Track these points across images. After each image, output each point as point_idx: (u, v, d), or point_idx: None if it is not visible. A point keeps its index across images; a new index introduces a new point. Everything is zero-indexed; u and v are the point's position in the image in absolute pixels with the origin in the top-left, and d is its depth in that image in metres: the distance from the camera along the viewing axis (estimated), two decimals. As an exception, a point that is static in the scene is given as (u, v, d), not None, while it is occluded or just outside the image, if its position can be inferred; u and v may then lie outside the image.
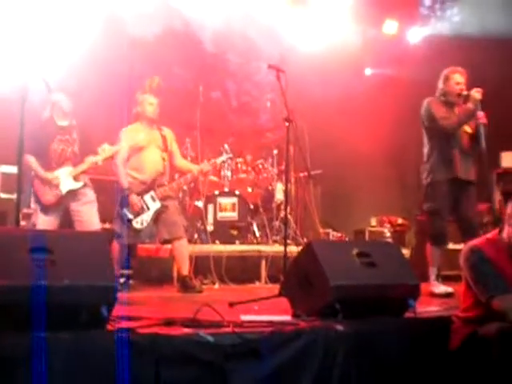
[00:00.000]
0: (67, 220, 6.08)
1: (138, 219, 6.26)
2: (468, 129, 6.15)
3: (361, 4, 9.81)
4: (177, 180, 6.74)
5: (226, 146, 7.78)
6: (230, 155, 7.32)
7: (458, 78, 6.12)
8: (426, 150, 6.20)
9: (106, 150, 5.99)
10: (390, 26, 10.61)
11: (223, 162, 7.27)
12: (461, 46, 9.56)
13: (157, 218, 6.35)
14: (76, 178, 6.00)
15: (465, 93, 6.05)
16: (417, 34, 10.83)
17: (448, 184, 6.03)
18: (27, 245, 3.34)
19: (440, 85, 6.21)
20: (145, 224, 6.28)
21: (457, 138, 6.09)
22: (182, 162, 6.80)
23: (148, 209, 6.29)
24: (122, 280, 6.30)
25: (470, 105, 5.95)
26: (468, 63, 8.56)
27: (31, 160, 5.90)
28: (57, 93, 5.99)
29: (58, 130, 6.05)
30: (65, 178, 5.97)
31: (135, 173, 6.41)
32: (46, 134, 6.00)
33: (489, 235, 3.94)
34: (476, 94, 5.95)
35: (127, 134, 6.46)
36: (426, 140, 6.21)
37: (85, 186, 6.06)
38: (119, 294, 3.56)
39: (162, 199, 6.34)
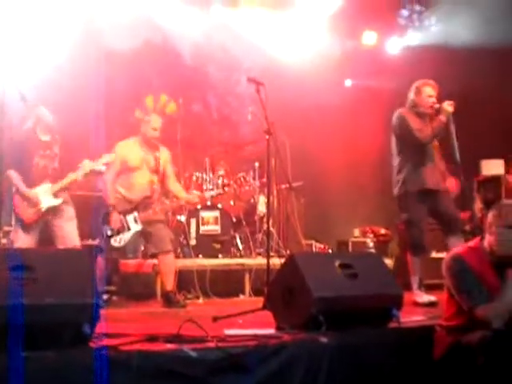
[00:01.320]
0: (46, 236, 6.04)
1: (117, 237, 6.22)
2: (436, 142, 6.25)
3: (340, 15, 9.87)
4: (162, 205, 6.66)
5: (219, 181, 7.75)
6: (221, 191, 7.28)
7: (430, 91, 6.18)
8: (397, 160, 6.23)
9: (85, 165, 5.95)
10: (369, 37, 10.69)
11: (212, 196, 7.24)
12: (439, 57, 9.65)
13: (142, 235, 6.32)
14: (56, 195, 5.96)
15: (437, 106, 6.10)
16: (395, 45, 10.91)
17: (420, 195, 6.08)
18: (7, 263, 3.31)
19: (411, 96, 6.24)
20: (122, 243, 6.25)
21: (427, 149, 6.15)
22: (173, 187, 6.71)
23: (129, 229, 6.26)
24: (105, 296, 6.26)
25: (442, 117, 6.01)
26: (446, 73, 8.67)
27: (13, 175, 5.85)
28: (40, 107, 5.96)
29: (40, 144, 5.99)
30: (44, 195, 5.92)
31: (123, 190, 6.37)
32: (28, 148, 5.95)
33: (471, 244, 3.95)
34: (448, 106, 6.01)
35: (121, 149, 6.40)
36: (396, 150, 6.24)
37: (64, 202, 6.01)
38: (102, 311, 3.54)
39: (145, 223, 6.30)
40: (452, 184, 6.43)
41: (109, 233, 6.18)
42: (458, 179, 6.27)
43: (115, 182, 6.34)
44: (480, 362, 3.54)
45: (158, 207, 6.47)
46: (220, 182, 8.42)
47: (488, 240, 3.80)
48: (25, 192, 5.89)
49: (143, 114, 6.66)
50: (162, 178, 6.55)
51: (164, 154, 6.59)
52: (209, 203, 8.04)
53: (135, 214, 6.28)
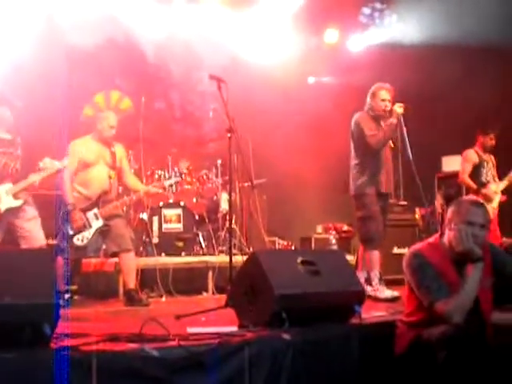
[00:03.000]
0: (11, 238, 5.95)
1: (79, 236, 6.15)
2: (391, 143, 6.42)
3: (302, 13, 9.90)
4: (121, 199, 6.61)
5: (176, 168, 7.71)
6: (179, 178, 7.26)
7: (384, 95, 6.32)
8: (354, 162, 6.39)
9: (47, 164, 5.86)
10: (332, 35, 10.74)
11: (171, 185, 7.20)
12: (400, 54, 9.74)
13: (102, 232, 6.26)
14: (15, 196, 5.87)
15: (388, 108, 6.23)
16: (357, 43, 10.98)
17: (376, 196, 6.28)
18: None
19: (368, 100, 6.42)
20: (85, 241, 6.18)
21: (382, 152, 6.32)
22: (131, 181, 6.68)
23: (90, 226, 6.19)
24: (66, 296, 6.20)
25: (392, 119, 6.14)
26: (407, 71, 8.76)
27: None
28: (1, 106, 5.88)
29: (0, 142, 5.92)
30: (4, 196, 5.82)
31: (81, 188, 6.30)
32: None
33: (430, 239, 3.99)
34: (398, 108, 6.15)
35: (76, 147, 6.33)
36: (354, 153, 6.41)
37: (25, 203, 5.93)
38: (63, 311, 3.50)
39: (106, 218, 6.25)
40: None
41: (70, 232, 6.11)
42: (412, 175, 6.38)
43: (73, 181, 6.28)
44: (440, 357, 3.58)
45: (118, 202, 6.43)
46: (183, 178, 8.39)
47: (448, 236, 3.84)
48: None
49: (95, 112, 6.58)
50: (119, 173, 6.51)
51: (119, 150, 6.56)
52: (171, 200, 8.02)
53: (95, 210, 6.22)
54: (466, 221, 3.75)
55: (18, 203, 5.87)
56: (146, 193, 6.61)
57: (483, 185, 7.83)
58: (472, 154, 7.98)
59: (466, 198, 3.91)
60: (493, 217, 7.64)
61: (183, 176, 7.57)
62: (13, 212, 5.87)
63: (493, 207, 7.69)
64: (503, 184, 7.92)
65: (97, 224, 6.22)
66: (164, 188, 7.00)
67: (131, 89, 8.99)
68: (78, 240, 6.15)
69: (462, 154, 8.11)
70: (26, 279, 3.41)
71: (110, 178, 6.40)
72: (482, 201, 4.04)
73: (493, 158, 8.06)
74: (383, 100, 6.28)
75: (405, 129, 6.10)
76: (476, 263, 3.69)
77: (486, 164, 7.93)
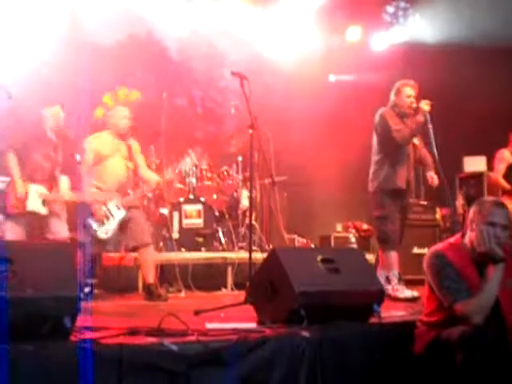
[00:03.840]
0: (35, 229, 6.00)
1: (103, 228, 6.19)
2: (415, 140, 6.37)
3: (325, 11, 9.88)
4: (139, 188, 6.65)
5: (190, 151, 7.72)
6: (195, 161, 7.27)
7: (409, 91, 6.27)
8: (376, 157, 6.34)
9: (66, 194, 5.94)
10: (354, 33, 10.71)
11: (188, 168, 7.22)
12: (424, 53, 9.69)
13: (123, 226, 6.29)
14: (44, 203, 5.91)
15: (414, 105, 6.18)
16: (380, 41, 10.93)
17: (395, 194, 6.23)
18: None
19: (392, 97, 6.37)
20: (110, 234, 6.21)
21: (405, 149, 6.28)
22: (146, 173, 6.72)
23: (113, 217, 6.23)
24: (86, 289, 6.23)
25: (419, 117, 6.07)
26: (430, 70, 8.71)
27: (12, 160, 5.81)
28: (56, 106, 5.94)
29: (46, 143, 5.96)
30: (34, 197, 5.86)
31: (99, 182, 6.34)
32: (33, 144, 5.90)
33: (452, 240, 3.96)
34: (425, 105, 6.08)
35: (93, 142, 6.39)
36: (376, 148, 6.36)
37: (52, 215, 5.96)
38: (83, 304, 3.53)
39: (127, 208, 6.29)
40: (433, 177, 6.51)
41: (94, 225, 6.15)
42: (438, 175, 6.35)
43: (90, 176, 6.30)
44: (459, 357, 3.56)
45: (137, 192, 6.46)
46: (204, 174, 8.42)
47: (469, 237, 3.82)
48: (17, 182, 5.83)
49: (105, 111, 6.63)
50: (134, 166, 6.54)
51: (134, 144, 6.60)
52: (191, 196, 8.03)
53: (116, 200, 6.25)
54: (488, 221, 3.72)
55: (43, 211, 5.90)
56: (164, 181, 6.63)
57: None
58: (506, 154, 7.84)
59: (487, 198, 3.87)
60: None
61: (197, 162, 7.55)
62: (37, 218, 5.91)
63: None
64: None
65: (119, 214, 6.25)
66: (180, 172, 6.96)
67: (153, 84, 9.01)
68: (102, 233, 6.18)
69: (495, 154, 7.96)
70: (48, 272, 3.44)
71: (127, 168, 6.44)
72: (503, 202, 4.00)
73: None
74: (408, 96, 6.23)
75: (431, 127, 6.05)
76: (497, 264, 3.67)
77: None
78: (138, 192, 6.53)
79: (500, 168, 7.82)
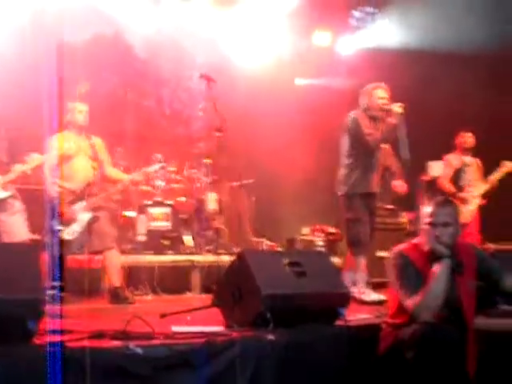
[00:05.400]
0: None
1: (69, 230, 6.12)
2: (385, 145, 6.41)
3: (293, 14, 9.90)
4: (107, 190, 6.60)
5: (158, 155, 7.67)
6: (163, 164, 7.21)
7: (381, 93, 6.27)
8: (347, 161, 6.32)
9: (34, 158, 5.85)
10: (322, 37, 10.74)
11: (155, 171, 7.17)
12: (390, 58, 9.76)
13: (88, 228, 6.24)
14: (3, 188, 5.84)
15: (387, 107, 6.17)
16: (348, 45, 10.99)
17: (365, 197, 6.27)
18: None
19: (363, 100, 6.34)
20: (76, 235, 6.15)
21: (376, 153, 6.30)
22: (112, 172, 6.66)
23: (78, 219, 6.17)
24: (52, 292, 6.16)
25: (392, 120, 6.07)
26: (396, 75, 8.78)
27: None
28: None
29: None
30: None
31: (64, 182, 6.28)
32: None
33: (415, 240, 4.03)
34: (398, 108, 6.08)
35: (55, 141, 6.31)
36: (347, 151, 6.33)
37: (12, 196, 5.90)
38: (48, 307, 3.49)
39: (93, 210, 6.23)
40: (401, 185, 6.56)
41: (59, 227, 6.07)
42: (406, 180, 6.40)
43: (54, 176, 6.23)
44: (410, 355, 3.62)
45: (103, 194, 6.40)
46: (172, 176, 8.39)
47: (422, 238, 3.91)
48: None
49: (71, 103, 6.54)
50: (100, 165, 6.48)
51: (98, 142, 6.53)
52: (159, 199, 7.99)
53: (81, 203, 6.19)
54: (429, 222, 3.83)
55: (5, 194, 5.85)
56: (130, 181, 6.58)
57: (461, 188, 7.91)
58: (452, 159, 8.09)
59: (436, 199, 3.94)
60: (470, 219, 7.73)
61: (165, 164, 7.53)
62: (0, 204, 5.85)
63: (470, 209, 7.77)
64: (485, 187, 7.97)
65: (85, 216, 6.18)
66: (147, 175, 6.92)
67: (119, 84, 8.95)
68: (68, 234, 6.11)
69: (443, 159, 8.22)
70: (11, 274, 3.40)
71: (93, 169, 6.37)
72: (448, 199, 4.08)
73: (478, 160, 8.11)
74: (381, 98, 6.22)
75: (405, 130, 6.02)
76: (441, 261, 3.74)
77: (467, 168, 8.00)
78: (104, 193, 6.46)
79: (447, 172, 8.05)
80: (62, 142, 6.32)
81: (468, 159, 8.06)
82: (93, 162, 6.38)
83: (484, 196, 7.95)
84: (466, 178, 7.99)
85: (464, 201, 7.76)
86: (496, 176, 7.98)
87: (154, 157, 7.54)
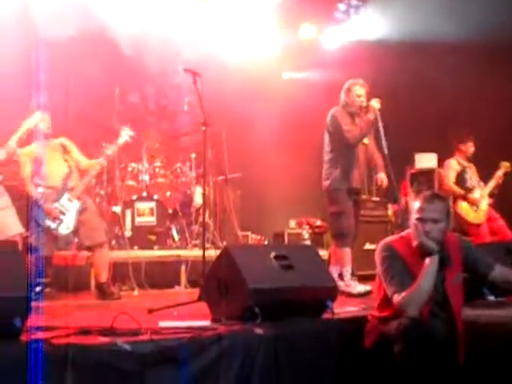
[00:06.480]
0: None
1: (63, 225, 6.08)
2: (365, 140, 6.42)
3: (279, 8, 9.89)
4: (83, 181, 6.51)
5: (125, 127, 7.37)
6: (131, 133, 6.99)
7: (359, 90, 6.32)
8: (328, 157, 6.39)
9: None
10: (307, 31, 10.73)
11: (126, 141, 6.96)
12: (375, 51, 9.77)
13: (78, 221, 6.19)
14: None
15: (364, 104, 6.24)
16: (333, 39, 10.99)
17: (348, 192, 6.28)
18: None
19: (342, 96, 6.40)
20: (71, 227, 6.09)
21: (356, 148, 6.33)
22: (86, 164, 6.53)
23: (69, 211, 6.13)
24: (37, 289, 6.13)
25: (370, 115, 6.15)
26: (382, 68, 8.80)
27: None
28: None
29: None
30: None
31: (43, 182, 6.22)
32: None
33: (403, 233, 4.02)
34: (375, 103, 6.15)
35: (26, 152, 6.25)
36: (328, 147, 6.39)
37: None
38: (34, 304, 3.48)
39: (79, 198, 6.20)
40: (383, 179, 6.59)
41: (52, 226, 6.04)
42: (388, 174, 6.43)
43: (33, 179, 6.18)
44: (396, 349, 3.63)
45: (83, 180, 6.34)
46: (157, 171, 8.37)
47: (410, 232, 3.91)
48: None
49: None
50: (75, 164, 6.43)
51: (65, 142, 6.48)
52: (144, 194, 7.97)
53: (66, 195, 6.16)
54: (418, 217, 3.82)
55: None
56: (100, 164, 6.47)
57: (469, 190, 8.03)
58: (453, 163, 8.23)
59: (423, 193, 3.94)
60: (483, 220, 7.87)
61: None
62: None
63: (482, 210, 7.93)
64: (489, 187, 8.15)
65: (74, 206, 6.15)
66: (118, 147, 6.75)
67: (105, 80, 8.89)
68: (64, 228, 6.08)
69: (443, 164, 8.39)
70: (-3, 272, 3.38)
71: (66, 161, 6.32)
72: (437, 194, 4.07)
73: (473, 166, 8.27)
74: (358, 96, 6.27)
75: (381, 124, 6.10)
76: (430, 257, 3.74)
77: (468, 170, 8.15)
78: (84, 180, 6.38)
79: (451, 176, 8.19)
80: (31, 150, 6.25)
81: (466, 163, 8.26)
82: (65, 155, 6.34)
83: (490, 195, 8.15)
84: (468, 179, 8.15)
85: (474, 202, 7.99)
86: (498, 176, 8.19)
87: (121, 128, 7.29)
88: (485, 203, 8.05)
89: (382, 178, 6.58)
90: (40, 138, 6.33)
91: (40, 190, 6.16)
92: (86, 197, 6.33)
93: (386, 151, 6.10)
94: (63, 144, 6.43)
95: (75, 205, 6.17)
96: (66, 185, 6.22)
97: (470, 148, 8.21)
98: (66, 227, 6.10)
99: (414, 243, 3.82)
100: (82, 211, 6.18)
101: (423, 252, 3.77)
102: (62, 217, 6.10)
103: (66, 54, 8.25)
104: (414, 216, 3.84)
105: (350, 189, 6.27)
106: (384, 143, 6.09)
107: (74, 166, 6.39)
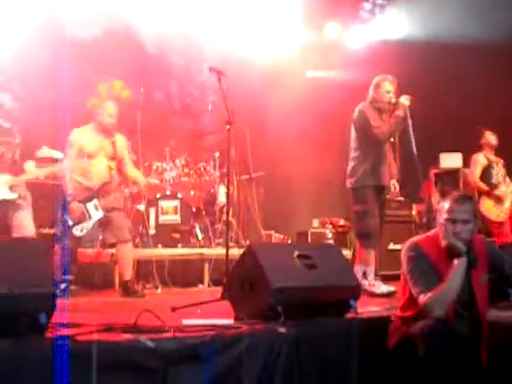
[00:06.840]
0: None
1: (79, 226, 6.12)
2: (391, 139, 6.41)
3: (304, 7, 9.88)
4: (122, 191, 6.56)
5: (177, 161, 7.56)
6: (179, 172, 7.14)
7: (388, 86, 6.24)
8: (355, 154, 6.29)
9: (44, 153, 5.85)
10: (332, 30, 10.72)
11: (173, 177, 7.14)
12: (401, 50, 9.73)
13: (101, 223, 6.24)
14: (12, 188, 5.84)
15: (394, 100, 6.15)
16: (358, 38, 10.95)
17: (374, 190, 6.20)
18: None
19: (371, 92, 6.32)
20: (85, 231, 6.15)
21: (384, 145, 6.26)
22: (131, 172, 6.62)
23: (90, 217, 6.16)
24: (62, 286, 6.18)
25: (399, 112, 6.06)
26: (407, 67, 8.75)
27: None
28: (2, 93, 5.85)
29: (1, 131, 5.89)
30: (0, 186, 5.80)
31: (81, 178, 6.26)
32: None
33: (430, 233, 4.00)
34: (405, 100, 6.07)
35: (76, 136, 6.29)
36: (355, 144, 6.30)
37: (19, 197, 5.89)
38: (59, 301, 3.50)
39: (106, 210, 6.22)
40: (395, 185, 6.58)
41: (70, 223, 6.09)
42: (416, 173, 6.37)
43: (73, 171, 6.24)
44: (421, 350, 3.61)
45: (118, 194, 6.39)
46: (181, 170, 8.40)
47: (438, 232, 3.88)
48: None
49: (99, 101, 6.54)
50: (119, 164, 6.47)
51: (120, 140, 6.51)
52: (168, 192, 8.00)
53: (95, 201, 6.19)
54: (447, 218, 3.78)
55: (12, 196, 5.84)
56: (145, 186, 6.60)
57: (494, 186, 7.92)
58: (480, 157, 8.11)
59: (452, 194, 3.91)
60: (505, 218, 7.79)
61: (181, 168, 7.52)
62: (5, 204, 5.84)
63: (506, 208, 7.84)
64: None
65: (97, 215, 6.19)
66: (162, 180, 6.96)
67: (130, 79, 8.95)
68: (78, 230, 6.12)
69: (471, 158, 8.26)
70: (23, 268, 3.40)
71: (110, 169, 6.36)
72: (467, 195, 4.04)
73: (501, 160, 8.15)
74: (388, 91, 6.19)
75: (410, 122, 6.02)
76: (459, 258, 3.72)
77: (495, 165, 8.03)
78: (118, 194, 6.43)
79: (477, 171, 8.06)
80: (83, 137, 6.30)
81: (493, 157, 8.13)
82: (110, 162, 6.36)
83: None
84: (495, 175, 8.04)
85: (499, 199, 7.90)
86: None
87: (173, 163, 7.40)
88: (510, 200, 7.95)
89: (393, 184, 6.57)
90: (98, 127, 6.36)
91: (75, 184, 6.17)
92: (114, 208, 6.32)
93: (414, 150, 5.97)
94: (114, 142, 6.40)
95: (99, 214, 6.19)
96: (99, 191, 6.24)
97: (491, 137, 8.10)
98: (80, 230, 6.13)
99: (443, 243, 3.79)
100: (103, 222, 6.21)
101: (452, 253, 3.74)
102: (82, 219, 6.12)
103: (92, 54, 8.32)
104: (442, 216, 3.80)
105: (377, 186, 6.19)
106: (413, 142, 5.98)
107: (115, 171, 6.40)
